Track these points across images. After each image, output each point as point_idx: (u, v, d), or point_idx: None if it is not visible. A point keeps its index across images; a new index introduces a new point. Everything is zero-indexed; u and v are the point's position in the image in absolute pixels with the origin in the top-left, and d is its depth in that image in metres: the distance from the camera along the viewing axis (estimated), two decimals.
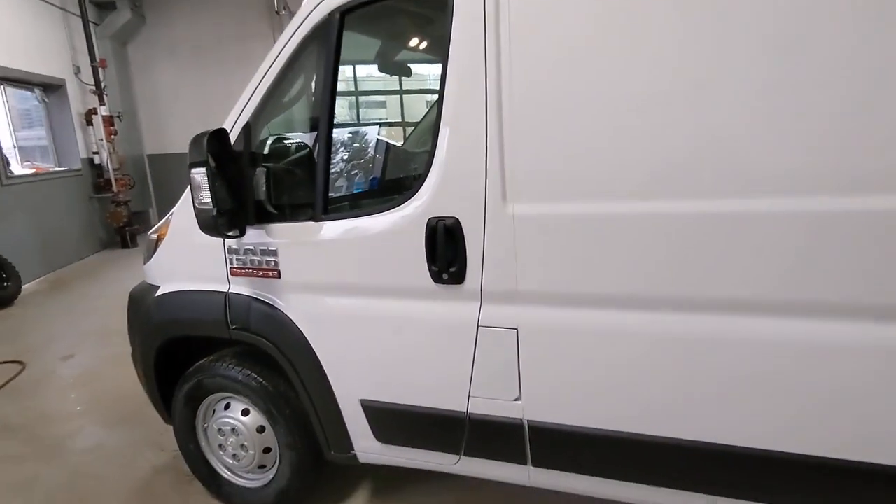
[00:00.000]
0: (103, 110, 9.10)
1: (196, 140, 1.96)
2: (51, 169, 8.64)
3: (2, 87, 7.88)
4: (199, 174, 1.95)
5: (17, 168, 7.99)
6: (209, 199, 1.96)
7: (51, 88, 8.71)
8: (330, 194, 2.12)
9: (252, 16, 9.86)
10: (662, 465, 1.83)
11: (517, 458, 2.00)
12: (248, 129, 2.16)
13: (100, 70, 9.21)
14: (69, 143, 9.00)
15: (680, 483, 1.82)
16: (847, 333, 1.50)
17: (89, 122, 9.17)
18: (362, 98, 2.24)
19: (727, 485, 1.75)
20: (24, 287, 6.73)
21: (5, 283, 6.40)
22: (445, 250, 1.87)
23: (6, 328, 5.66)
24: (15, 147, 8.16)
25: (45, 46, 8.42)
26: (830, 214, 1.46)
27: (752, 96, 1.50)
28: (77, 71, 9.11)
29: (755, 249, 1.54)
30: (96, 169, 9.33)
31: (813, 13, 1.42)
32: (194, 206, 2.02)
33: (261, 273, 2.23)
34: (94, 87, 9.14)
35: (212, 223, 1.99)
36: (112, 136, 9.17)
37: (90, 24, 9.26)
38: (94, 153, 9.23)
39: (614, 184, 1.67)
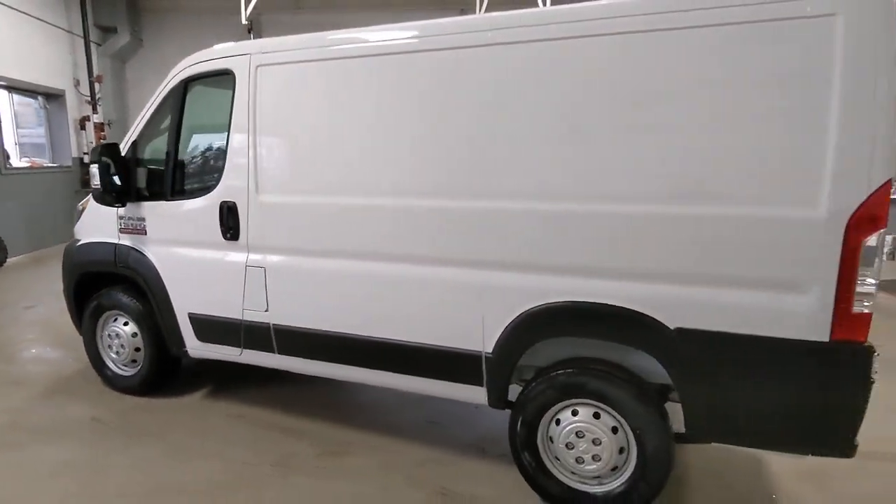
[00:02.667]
0: (96, 118, 10.64)
1: (96, 148, 3.38)
2: (45, 164, 10.14)
3: (10, 94, 9.41)
4: (95, 168, 3.36)
5: (16, 161, 9.48)
6: (99, 183, 3.37)
7: (52, 97, 10.26)
8: (174, 186, 3.52)
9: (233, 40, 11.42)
10: (345, 351, 3.16)
11: (269, 348, 3.36)
12: (134, 145, 3.58)
13: (96, 84, 10.76)
14: (63, 143, 10.51)
15: (353, 360, 3.16)
16: (422, 272, 2.86)
17: (83, 127, 10.70)
18: (193, 131, 3.64)
19: (369, 360, 3.11)
20: (9, 259, 8.15)
21: None
22: (228, 220, 3.27)
23: None
24: (16, 143, 9.65)
25: (51, 62, 9.99)
26: (411, 207, 2.82)
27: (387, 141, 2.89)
28: (76, 83, 10.67)
29: (391, 225, 2.90)
30: (85, 167, 10.82)
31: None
32: (92, 187, 3.43)
33: (136, 231, 3.63)
34: (89, 98, 10.68)
35: (98, 197, 3.41)
36: (101, 140, 10.68)
37: (93, 43, 10.88)
38: (85, 153, 10.71)
39: (308, 185, 3.08)
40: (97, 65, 11.03)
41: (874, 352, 2.18)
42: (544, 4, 8.63)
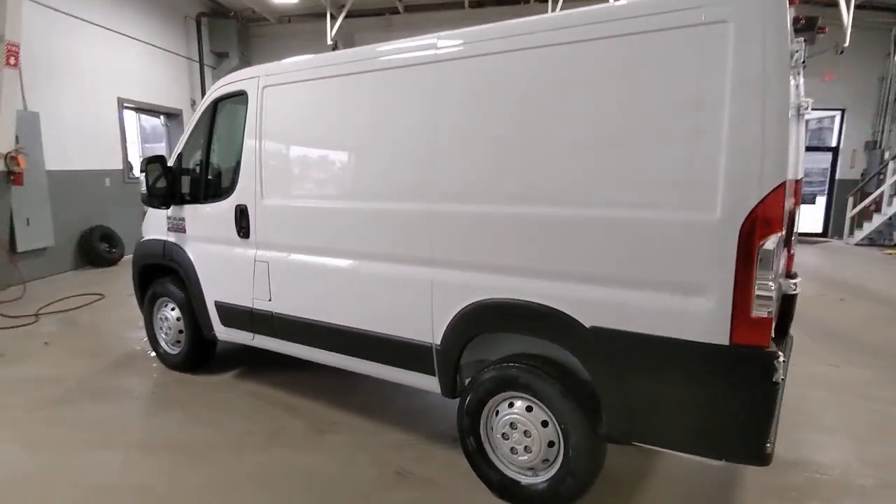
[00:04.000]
0: None
1: (144, 160, 4.05)
2: None
3: (137, 114, 11.00)
4: (143, 175, 4.03)
5: (137, 172, 11.01)
6: (145, 189, 4.03)
7: (171, 115, 11.80)
8: (206, 190, 4.11)
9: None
10: (326, 338, 3.54)
11: (273, 333, 3.82)
12: (179, 156, 4.22)
13: None
14: None
15: (333, 347, 3.53)
16: (382, 268, 3.18)
17: None
18: (221, 143, 4.20)
19: (345, 347, 3.45)
20: (125, 255, 9.51)
21: (112, 250, 9.22)
22: (241, 221, 3.78)
23: (106, 278, 8.34)
24: (140, 156, 11.22)
25: (171, 85, 11.51)
26: (371, 210, 3.16)
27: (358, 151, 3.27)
28: (192, 103, 12.17)
29: (364, 227, 3.24)
30: None
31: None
32: (141, 192, 4.11)
33: (179, 230, 4.27)
34: None
35: (146, 201, 4.07)
36: None
37: (207, 67, 12.39)
38: None
39: (295, 190, 3.51)
40: (209, 86, 12.52)
41: (777, 356, 2.14)
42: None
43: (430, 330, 3.02)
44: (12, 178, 7.21)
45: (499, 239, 2.72)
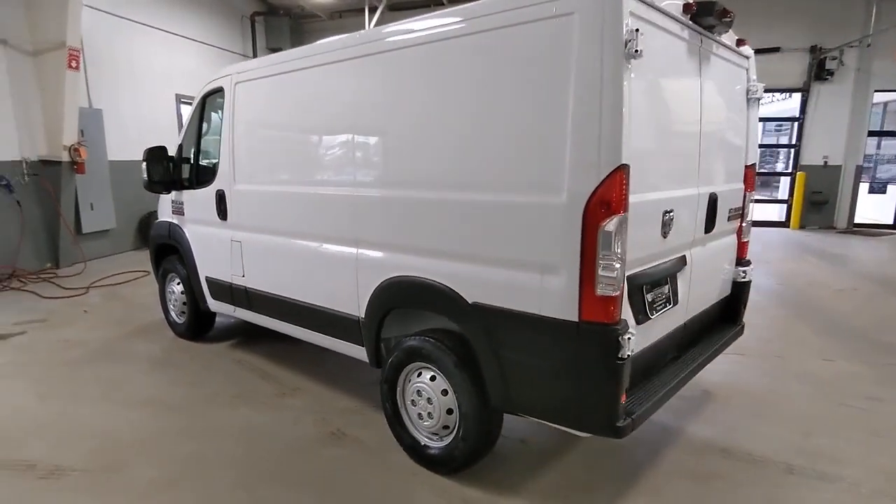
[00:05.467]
0: None
1: (146, 150, 4.57)
2: None
3: None
4: (144, 164, 4.55)
5: None
6: (146, 175, 4.55)
7: None
8: (197, 177, 4.58)
9: None
10: (282, 310, 3.91)
11: (247, 306, 4.25)
12: (179, 146, 4.72)
13: None
14: None
15: (291, 319, 3.90)
16: (322, 248, 3.51)
17: None
18: (208, 134, 4.64)
19: (298, 319, 3.80)
20: None
21: None
22: (220, 204, 4.21)
23: None
24: None
25: None
26: (307, 194, 3.50)
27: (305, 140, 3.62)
28: None
29: (306, 210, 3.60)
30: None
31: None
32: (143, 178, 4.64)
33: (179, 213, 4.79)
34: None
35: (147, 186, 4.60)
36: None
37: None
38: None
39: (255, 177, 3.90)
40: None
41: (622, 333, 2.25)
42: None
43: (357, 304, 3.30)
44: (75, 167, 8.14)
45: (399, 220, 2.97)
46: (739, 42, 3.33)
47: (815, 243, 10.71)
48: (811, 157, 12.30)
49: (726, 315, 3.72)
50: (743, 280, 3.70)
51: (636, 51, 2.11)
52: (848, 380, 4.27)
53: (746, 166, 3.63)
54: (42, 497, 2.83)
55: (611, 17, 2.13)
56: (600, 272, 2.24)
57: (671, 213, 2.70)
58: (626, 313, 2.46)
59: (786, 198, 12.78)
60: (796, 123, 12.50)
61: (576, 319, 2.32)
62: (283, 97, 3.66)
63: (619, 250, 2.23)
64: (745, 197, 3.64)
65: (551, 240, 2.35)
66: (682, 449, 3.26)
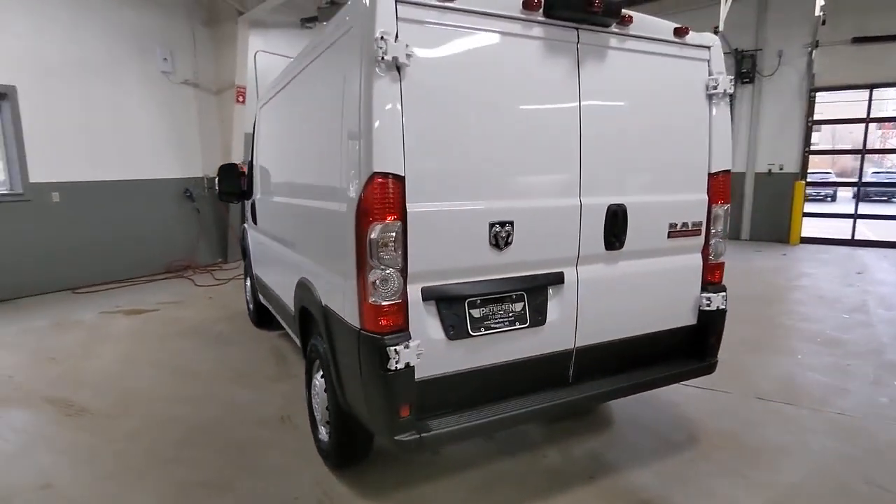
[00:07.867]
0: None
1: (220, 166, 5.57)
2: None
3: None
4: (217, 178, 5.54)
5: None
6: (217, 187, 5.54)
7: None
8: (250, 190, 5.40)
9: None
10: (270, 300, 4.46)
11: (268, 299, 4.91)
12: (250, 164, 5.64)
13: None
14: None
15: (278, 312, 4.43)
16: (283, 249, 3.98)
17: None
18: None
19: (278, 311, 4.31)
20: None
21: None
22: (253, 211, 4.97)
23: None
24: None
25: None
26: (272, 202, 4.00)
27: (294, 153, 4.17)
28: None
29: (274, 216, 4.15)
30: None
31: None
32: (217, 190, 5.64)
33: (249, 220, 5.70)
34: None
35: (219, 196, 5.58)
36: None
37: None
38: None
39: (262, 190, 4.50)
40: None
41: (390, 344, 2.24)
42: None
43: (292, 300, 3.67)
44: None
45: (290, 223, 3.35)
46: (679, 31, 2.89)
47: None
48: None
49: (692, 348, 3.20)
50: (708, 309, 3.13)
51: (395, 58, 2.11)
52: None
53: (711, 174, 3.08)
54: (57, 427, 3.78)
55: (365, 26, 2.17)
56: (369, 280, 2.26)
57: (508, 226, 2.51)
58: (428, 326, 2.40)
59: None
60: None
61: (358, 326, 2.36)
62: (264, 122, 4.28)
63: (387, 258, 2.23)
64: (709, 210, 3.10)
65: (342, 247, 2.43)
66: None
